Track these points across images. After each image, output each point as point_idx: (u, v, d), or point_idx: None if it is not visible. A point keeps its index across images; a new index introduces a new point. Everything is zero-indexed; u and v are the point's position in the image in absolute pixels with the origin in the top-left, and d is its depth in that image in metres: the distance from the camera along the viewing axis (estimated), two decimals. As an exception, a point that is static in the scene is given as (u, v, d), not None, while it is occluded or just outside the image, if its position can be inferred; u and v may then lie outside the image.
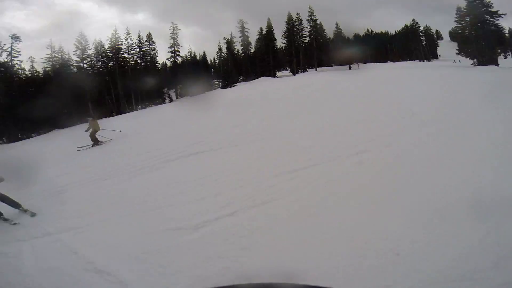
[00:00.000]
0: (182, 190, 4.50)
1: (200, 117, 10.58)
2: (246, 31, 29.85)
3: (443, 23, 31.47)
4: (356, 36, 29.44)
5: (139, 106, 22.76)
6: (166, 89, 25.38)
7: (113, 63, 23.07)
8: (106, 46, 23.11)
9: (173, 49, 25.74)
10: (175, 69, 25.34)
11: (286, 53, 30.92)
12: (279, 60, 30.27)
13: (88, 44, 22.12)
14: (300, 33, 30.56)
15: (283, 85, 17.73)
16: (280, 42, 31.20)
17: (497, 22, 22.20)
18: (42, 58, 20.50)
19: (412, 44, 27.48)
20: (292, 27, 30.51)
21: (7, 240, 3.86)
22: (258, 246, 2.94)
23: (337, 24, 31.02)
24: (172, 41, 25.81)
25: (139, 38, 24.77)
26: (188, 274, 2.72)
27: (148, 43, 24.98)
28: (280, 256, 2.71)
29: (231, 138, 6.98)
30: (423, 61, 27.14)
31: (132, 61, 24.16)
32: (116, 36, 23.61)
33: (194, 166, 5.70)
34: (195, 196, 4.20)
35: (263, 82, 24.37)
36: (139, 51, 24.76)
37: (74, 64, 21.55)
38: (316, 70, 28.09)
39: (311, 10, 30.27)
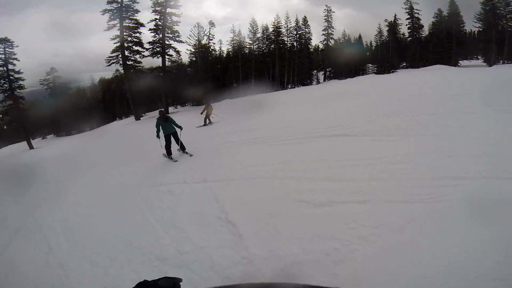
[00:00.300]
0: (319, 167, 4.39)
1: (347, 103, 9.73)
2: (416, 13, 25.75)
3: None
4: None
5: (289, 86, 24.39)
6: (316, 71, 25.56)
7: (274, 46, 25.37)
8: (270, 29, 25.48)
9: (326, 31, 25.61)
10: (327, 52, 25.19)
11: (482, 38, 23.54)
12: (467, 47, 23.63)
13: (258, 28, 25.35)
14: (508, 15, 22.98)
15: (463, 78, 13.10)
16: (472, 26, 24.64)
17: None
18: (227, 41, 25.59)
19: None
20: (494, 7, 23.21)
21: (176, 181, 5.20)
22: (380, 242, 2.65)
23: None
24: (326, 23, 25.69)
25: (296, 21, 25.88)
26: (296, 245, 2.80)
27: (303, 26, 25.80)
28: (405, 264, 2.20)
29: (387, 128, 5.94)
30: None
31: (290, 43, 25.56)
32: (278, 20, 25.59)
33: (336, 147, 5.40)
34: (329, 176, 4.01)
35: (435, 71, 19.53)
36: (296, 34, 25.93)
37: (247, 46, 25.44)
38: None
39: None
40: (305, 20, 26.28)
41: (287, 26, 26.05)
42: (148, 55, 21.21)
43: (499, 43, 22.82)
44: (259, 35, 25.72)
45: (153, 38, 21.55)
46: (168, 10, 21.52)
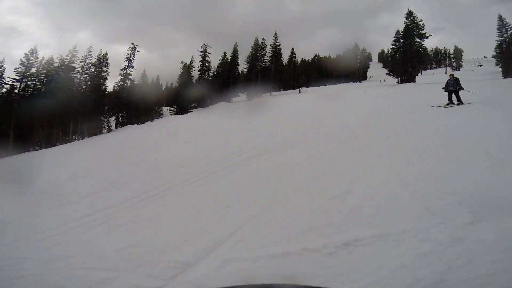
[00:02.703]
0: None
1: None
2: (207, 56, 30.26)
3: (373, 44, 35.41)
4: (304, 61, 32.52)
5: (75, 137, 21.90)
6: (107, 116, 23.99)
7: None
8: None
9: (125, 71, 24.79)
10: (123, 94, 23.97)
11: (246, 78, 33.40)
12: (239, 85, 32.08)
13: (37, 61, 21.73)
14: (262, 58, 32.50)
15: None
16: (243, 67, 32.88)
17: (423, 43, 25.77)
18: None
19: (350, 67, 30.90)
20: (256, 52, 32.40)
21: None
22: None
23: (293, 49, 34.13)
24: (127, 63, 24.80)
25: (98, 57, 23.66)
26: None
27: (101, 65, 24.08)
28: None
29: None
30: (356, 82, 30.59)
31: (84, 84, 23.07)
32: (74, 53, 22.78)
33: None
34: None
35: (220, 109, 25.84)
36: (94, 72, 23.42)
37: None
38: (271, 94, 30.45)
39: (276, 35, 32.74)
40: (105, 57, 23.69)
41: (85, 61, 22.88)
42: None
43: (256, 81, 33.44)
44: (34, 69, 20.95)
45: None
46: None
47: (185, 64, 29.05)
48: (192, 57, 29.51)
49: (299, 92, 29.11)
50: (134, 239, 3.16)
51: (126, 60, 25.16)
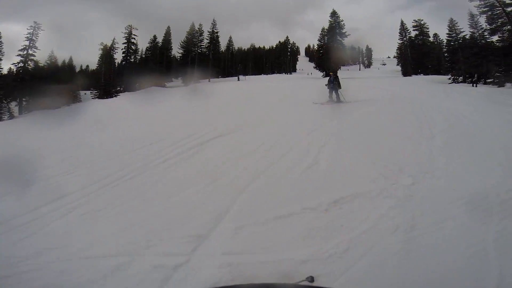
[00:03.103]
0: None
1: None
2: (133, 38, 27.60)
3: (300, 39, 38.61)
4: (240, 50, 32.85)
5: None
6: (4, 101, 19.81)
7: None
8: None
9: (25, 51, 21.61)
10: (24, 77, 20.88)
11: (181, 62, 31.54)
12: (173, 70, 30.49)
13: None
14: (199, 44, 31.23)
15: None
16: (176, 52, 31.15)
17: (343, 41, 29.33)
18: None
19: (282, 59, 32.95)
20: (192, 37, 31.08)
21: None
22: None
23: (230, 37, 33.82)
24: (27, 42, 21.69)
25: None
26: None
27: None
28: None
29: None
30: (287, 73, 33.13)
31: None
32: None
33: None
34: None
35: (153, 93, 24.05)
36: None
37: None
38: (209, 81, 29.73)
39: (214, 22, 31.48)
40: None
41: None
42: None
43: (192, 66, 32.16)
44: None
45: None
46: None
47: (105, 46, 25.94)
48: (114, 38, 26.59)
49: (238, 79, 29.45)
50: (128, 221, 2.99)
51: (26, 40, 21.54)
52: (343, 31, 28.77)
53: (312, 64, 34.49)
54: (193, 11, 34.66)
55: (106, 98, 23.21)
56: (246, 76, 29.90)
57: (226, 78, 29.97)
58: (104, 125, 9.40)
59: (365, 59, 35.92)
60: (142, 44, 29.32)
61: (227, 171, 4.38)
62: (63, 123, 10.22)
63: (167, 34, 30.88)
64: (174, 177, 4.34)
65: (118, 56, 27.56)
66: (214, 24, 31.34)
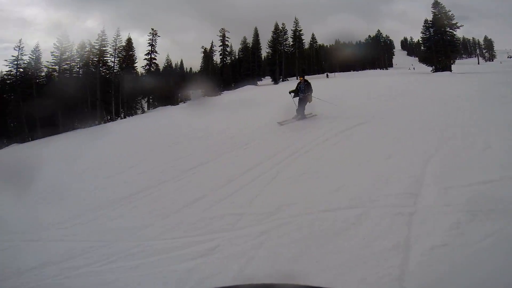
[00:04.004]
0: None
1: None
2: (226, 40, 30.35)
3: (391, 31, 34.45)
4: (322, 46, 32.11)
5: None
6: (141, 97, 24.79)
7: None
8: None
9: (149, 56, 25.04)
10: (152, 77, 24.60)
11: (269, 62, 33.03)
12: (262, 69, 31.70)
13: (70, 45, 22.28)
14: (284, 42, 32.10)
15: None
16: (264, 51, 32.45)
17: (455, 32, 25.40)
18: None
19: (375, 54, 30.49)
20: (278, 36, 31.90)
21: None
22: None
23: (313, 34, 33.68)
24: (150, 47, 25.11)
25: (128, 41, 24.09)
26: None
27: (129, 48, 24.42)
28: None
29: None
30: (383, 69, 30.31)
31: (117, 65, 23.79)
32: (103, 37, 23.02)
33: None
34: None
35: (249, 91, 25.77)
36: (125, 56, 23.93)
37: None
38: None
39: (296, 20, 32.23)
40: (129, 42, 23.74)
41: (116, 45, 23.20)
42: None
43: (280, 64, 33.00)
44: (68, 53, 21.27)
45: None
46: None
47: (205, 49, 28.83)
48: (212, 42, 29.25)
49: (327, 77, 28.92)
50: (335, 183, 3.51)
51: (149, 45, 25.17)
52: (453, 21, 24.83)
53: (411, 58, 30.98)
54: (268, 11, 35.15)
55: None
56: (335, 74, 29.04)
57: (313, 76, 29.81)
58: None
59: (485, 51, 29.90)
60: (234, 46, 31.38)
61: (406, 143, 4.60)
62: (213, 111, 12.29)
63: (256, 35, 32.16)
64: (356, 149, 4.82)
65: (215, 58, 30.22)
66: (296, 22, 31.68)
